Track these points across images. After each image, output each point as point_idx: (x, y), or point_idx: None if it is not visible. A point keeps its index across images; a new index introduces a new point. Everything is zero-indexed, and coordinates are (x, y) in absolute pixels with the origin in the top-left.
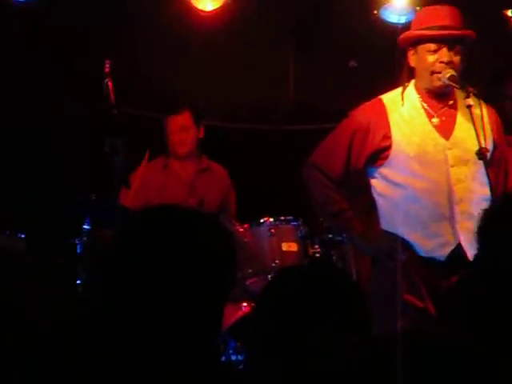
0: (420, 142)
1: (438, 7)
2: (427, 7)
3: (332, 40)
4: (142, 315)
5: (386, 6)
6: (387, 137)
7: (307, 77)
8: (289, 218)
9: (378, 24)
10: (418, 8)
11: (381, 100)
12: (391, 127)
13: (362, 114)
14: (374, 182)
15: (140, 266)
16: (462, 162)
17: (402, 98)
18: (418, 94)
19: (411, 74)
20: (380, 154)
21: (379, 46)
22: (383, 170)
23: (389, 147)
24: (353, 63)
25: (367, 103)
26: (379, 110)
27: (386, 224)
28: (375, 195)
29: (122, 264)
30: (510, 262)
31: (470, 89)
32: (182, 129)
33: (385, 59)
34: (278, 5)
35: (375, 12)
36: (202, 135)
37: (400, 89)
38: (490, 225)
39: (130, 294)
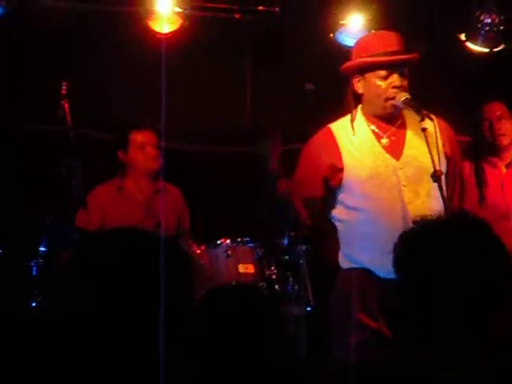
0: (371, 165)
1: (381, 33)
2: (369, 34)
3: (289, 63)
4: (99, 336)
5: (341, 29)
6: (339, 162)
7: (264, 99)
8: (245, 239)
9: (333, 47)
10: (372, 31)
11: (329, 128)
12: (342, 153)
13: (313, 144)
14: (332, 208)
15: (96, 288)
16: (415, 180)
17: (352, 127)
18: (366, 117)
19: (357, 100)
20: (334, 179)
21: (335, 69)
22: (340, 196)
23: (341, 172)
24: (309, 86)
25: (317, 133)
26: (328, 137)
27: (345, 248)
28: (334, 221)
29: (78, 286)
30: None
31: (424, 112)
32: (153, 145)
33: (341, 82)
34: (235, 27)
35: (331, 35)
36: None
37: (348, 116)
38: (409, 248)
39: (85, 315)
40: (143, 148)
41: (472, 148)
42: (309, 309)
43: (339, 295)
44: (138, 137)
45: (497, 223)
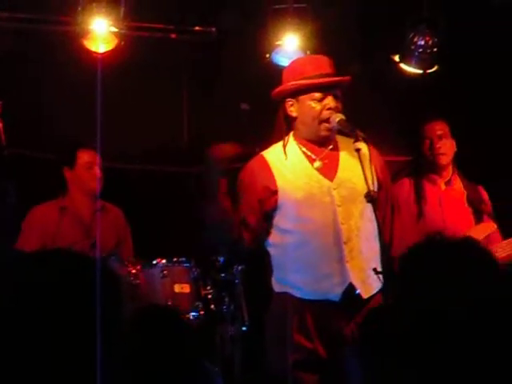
0: (305, 186)
1: (313, 57)
2: (300, 58)
3: (225, 83)
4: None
5: (277, 50)
6: (273, 185)
7: (201, 119)
8: (181, 259)
9: (269, 68)
10: (308, 52)
11: (261, 155)
12: (275, 176)
13: (247, 169)
14: (266, 233)
15: (26, 310)
16: (349, 200)
17: (285, 152)
18: (298, 142)
19: (289, 124)
20: (269, 202)
21: (271, 90)
22: (274, 221)
23: (275, 195)
24: (245, 106)
25: (250, 161)
26: (261, 163)
27: (278, 273)
28: (267, 247)
29: (12, 308)
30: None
31: (359, 133)
32: (99, 165)
33: (276, 102)
34: (172, 47)
35: (267, 56)
36: None
37: (280, 143)
38: (411, 268)
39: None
40: (90, 168)
41: (412, 165)
42: (244, 328)
43: (274, 317)
44: (85, 156)
45: None
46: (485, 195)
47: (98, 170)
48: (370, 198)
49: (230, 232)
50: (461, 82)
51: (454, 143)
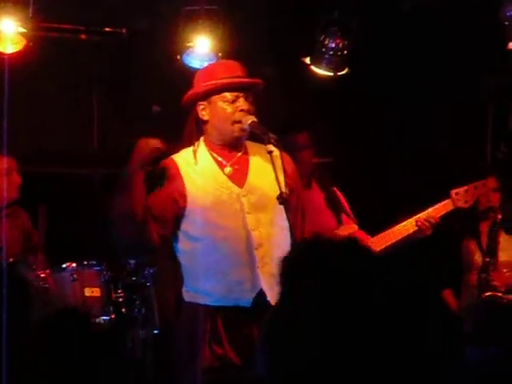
0: (215, 192)
1: (223, 61)
2: (211, 63)
3: (137, 84)
4: None
5: (188, 51)
6: (183, 190)
7: (112, 121)
8: (92, 262)
9: (181, 69)
10: (219, 54)
11: (172, 158)
12: (185, 181)
13: None
14: (175, 240)
15: None
16: (259, 207)
17: (195, 157)
18: (208, 147)
19: (200, 129)
20: (178, 208)
21: (182, 91)
22: (182, 227)
23: (185, 201)
24: (156, 108)
25: (160, 164)
26: (171, 166)
27: (188, 281)
28: (177, 254)
29: None
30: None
31: (271, 135)
32: (18, 172)
33: (188, 107)
34: (82, 48)
35: (178, 57)
36: None
37: (190, 148)
38: (291, 270)
39: None
40: (9, 174)
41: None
42: (156, 331)
43: (185, 324)
44: (3, 161)
45: None
46: (340, 196)
47: (18, 178)
48: (281, 199)
49: (138, 226)
50: (370, 85)
51: (312, 152)
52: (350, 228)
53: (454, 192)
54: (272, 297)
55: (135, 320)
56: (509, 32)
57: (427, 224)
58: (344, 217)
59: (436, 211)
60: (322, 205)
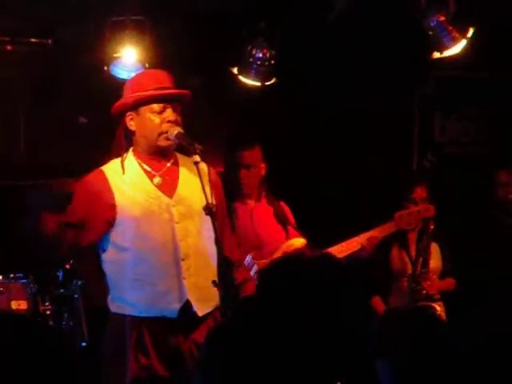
0: (144, 202)
1: (151, 71)
2: (139, 73)
3: (63, 95)
4: None
5: (115, 62)
6: (112, 203)
7: (38, 132)
8: (18, 275)
9: (108, 80)
10: (146, 65)
11: (101, 170)
12: (114, 193)
13: (84, 184)
14: (103, 251)
15: None
16: (188, 217)
17: (123, 167)
18: (137, 157)
19: (128, 139)
20: (107, 221)
21: (110, 102)
22: (111, 237)
23: (114, 213)
24: (82, 119)
25: (89, 175)
26: (100, 179)
27: (114, 291)
28: (104, 264)
29: None
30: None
31: (197, 146)
32: None
33: (116, 118)
34: (9, 60)
35: (105, 68)
36: None
37: (119, 158)
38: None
39: None
40: None
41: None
42: (84, 344)
43: (111, 335)
44: None
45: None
46: (287, 209)
47: None
48: (208, 210)
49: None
50: (298, 94)
51: (264, 167)
52: (299, 241)
53: (397, 214)
54: (198, 308)
55: (63, 332)
56: (433, 42)
57: (372, 245)
58: (291, 230)
59: (379, 232)
60: (271, 218)
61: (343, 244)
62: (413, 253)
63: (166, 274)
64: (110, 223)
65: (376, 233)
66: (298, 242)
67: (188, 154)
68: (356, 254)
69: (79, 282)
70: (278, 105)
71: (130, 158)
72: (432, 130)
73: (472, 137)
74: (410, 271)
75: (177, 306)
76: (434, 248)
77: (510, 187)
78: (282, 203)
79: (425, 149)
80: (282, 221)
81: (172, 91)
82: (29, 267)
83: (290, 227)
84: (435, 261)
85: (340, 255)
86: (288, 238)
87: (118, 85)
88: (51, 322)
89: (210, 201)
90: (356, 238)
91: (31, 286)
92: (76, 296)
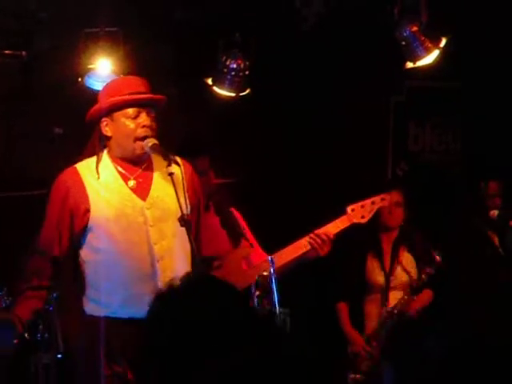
0: (118, 205)
1: (127, 77)
2: (115, 79)
3: (38, 107)
4: None
5: (90, 73)
6: (85, 203)
7: (13, 143)
8: None
9: (83, 91)
10: (121, 76)
11: (75, 168)
12: (88, 193)
13: (59, 184)
14: (79, 249)
15: None
16: (162, 220)
17: (97, 169)
18: (112, 160)
19: (103, 144)
20: (82, 220)
21: (85, 113)
22: (86, 237)
23: (88, 213)
24: (58, 130)
25: (62, 173)
26: (74, 177)
27: (89, 291)
28: (81, 263)
29: None
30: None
31: (172, 157)
32: None
33: (90, 126)
34: None
35: (80, 79)
36: None
37: (94, 158)
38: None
39: None
40: None
41: None
42: (59, 356)
43: (85, 340)
44: None
45: None
46: (238, 216)
47: None
48: (183, 222)
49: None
50: (272, 104)
51: (213, 175)
52: (243, 250)
53: (349, 208)
54: None
55: (38, 345)
56: (406, 52)
57: (319, 241)
58: (243, 238)
59: (331, 228)
60: (217, 227)
61: (292, 245)
62: (387, 264)
63: (141, 276)
64: (85, 225)
65: (327, 229)
66: (242, 250)
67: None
68: (309, 255)
69: (54, 295)
70: (253, 115)
71: (104, 159)
72: (406, 138)
73: (446, 145)
74: (382, 282)
75: None
76: (409, 259)
77: (496, 199)
78: (232, 210)
79: (399, 157)
80: (231, 229)
81: (146, 96)
82: (2, 279)
83: (241, 236)
84: (407, 272)
85: (290, 257)
86: (237, 246)
87: (92, 96)
88: (26, 334)
89: (184, 212)
90: (305, 238)
91: (5, 298)
92: (51, 308)
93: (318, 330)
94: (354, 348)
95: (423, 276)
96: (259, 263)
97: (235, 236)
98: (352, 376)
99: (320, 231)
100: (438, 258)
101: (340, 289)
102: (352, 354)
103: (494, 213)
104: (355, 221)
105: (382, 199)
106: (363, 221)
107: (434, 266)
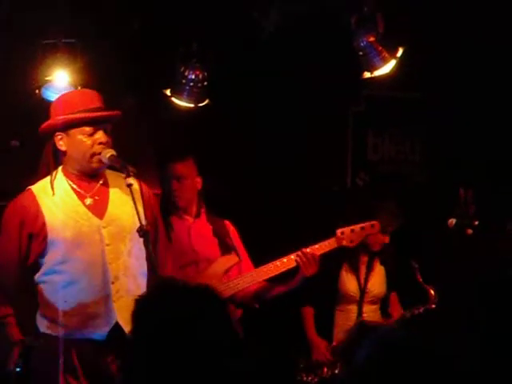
0: (75, 224)
1: (81, 91)
2: (68, 92)
3: None
4: None
5: (47, 85)
6: (42, 224)
7: None
8: None
9: (40, 103)
10: (78, 87)
11: (30, 190)
12: (44, 215)
13: (15, 207)
14: (37, 271)
15: None
16: (118, 239)
17: (52, 187)
18: (68, 177)
19: (57, 159)
20: (40, 243)
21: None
22: (44, 258)
23: (45, 234)
24: (14, 143)
25: (18, 197)
26: (30, 199)
27: (45, 311)
28: (38, 283)
29: None
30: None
31: (130, 168)
32: None
33: (45, 137)
34: None
35: (37, 91)
36: None
37: (48, 177)
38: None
39: None
40: None
41: (161, 202)
42: (18, 369)
43: (40, 358)
44: None
45: (185, 268)
46: (231, 229)
47: None
48: (142, 232)
49: None
50: (231, 115)
51: (200, 181)
52: (230, 259)
53: (339, 231)
54: (129, 329)
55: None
56: (363, 62)
57: (305, 260)
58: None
59: (318, 249)
60: (208, 235)
61: (278, 261)
62: (362, 277)
63: (95, 297)
64: (43, 247)
65: (314, 249)
66: (229, 259)
67: (120, 172)
68: (295, 282)
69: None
70: (212, 126)
71: (59, 177)
72: (365, 148)
73: (404, 155)
74: (356, 296)
75: (105, 329)
76: (380, 272)
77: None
78: (226, 222)
79: (358, 167)
80: (222, 240)
81: (103, 113)
82: None
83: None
84: (380, 285)
85: (274, 272)
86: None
87: (49, 108)
88: None
89: (143, 222)
90: (292, 256)
91: None
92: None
93: (285, 332)
94: (316, 356)
95: (415, 311)
96: (237, 278)
97: (224, 247)
98: (310, 378)
99: (307, 250)
100: (432, 292)
101: (307, 293)
102: (315, 361)
103: (452, 221)
104: (344, 244)
105: (372, 226)
106: (351, 245)
107: (429, 303)
